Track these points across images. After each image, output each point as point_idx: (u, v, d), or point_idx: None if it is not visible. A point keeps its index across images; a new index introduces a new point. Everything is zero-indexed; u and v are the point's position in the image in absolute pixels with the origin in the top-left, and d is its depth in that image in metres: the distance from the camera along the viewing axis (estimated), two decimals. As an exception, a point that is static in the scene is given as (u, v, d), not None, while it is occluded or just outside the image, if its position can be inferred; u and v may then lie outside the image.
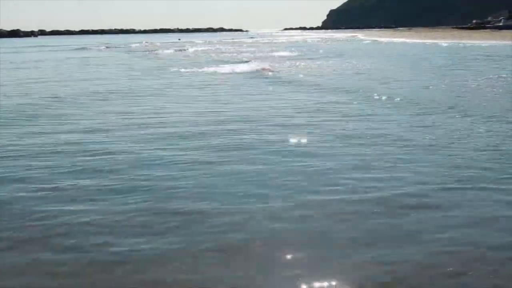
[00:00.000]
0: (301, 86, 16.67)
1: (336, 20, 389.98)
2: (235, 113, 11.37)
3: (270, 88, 16.23)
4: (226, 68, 24.75)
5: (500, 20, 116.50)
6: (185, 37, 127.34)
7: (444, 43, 51.17)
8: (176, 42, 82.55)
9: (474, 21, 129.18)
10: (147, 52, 45.96)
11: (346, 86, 15.75)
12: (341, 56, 34.24)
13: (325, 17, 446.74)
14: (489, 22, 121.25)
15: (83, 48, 57.56)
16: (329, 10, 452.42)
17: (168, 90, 16.43)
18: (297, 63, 27.74)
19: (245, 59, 32.09)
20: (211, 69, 24.68)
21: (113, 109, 12.42)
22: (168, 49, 51.54)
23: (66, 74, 23.41)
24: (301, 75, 20.40)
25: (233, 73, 22.19)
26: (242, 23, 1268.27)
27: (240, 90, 15.81)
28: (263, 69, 23.39)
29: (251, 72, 21.92)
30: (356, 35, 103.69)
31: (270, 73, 21.44)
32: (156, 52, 45.82)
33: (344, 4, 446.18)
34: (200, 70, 24.27)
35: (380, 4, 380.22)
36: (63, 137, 9.07)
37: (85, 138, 8.97)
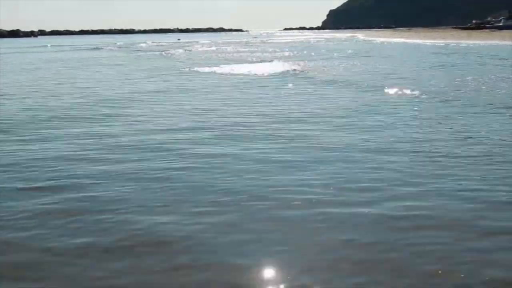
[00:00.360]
0: (347, 86, 16.92)
1: (336, 20, 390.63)
2: (302, 112, 11.66)
3: (328, 88, 16.46)
4: (254, 68, 24.61)
5: (500, 20, 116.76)
6: (184, 37, 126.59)
7: (443, 43, 51.52)
8: (180, 42, 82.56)
9: (474, 21, 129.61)
10: (162, 52, 46.03)
11: (385, 85, 16.08)
12: (357, 56, 34.34)
13: (325, 17, 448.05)
14: (489, 22, 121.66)
15: (96, 48, 57.75)
16: (329, 10, 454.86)
17: (217, 90, 16.52)
18: (321, 63, 27.75)
19: (265, 59, 32.33)
20: (239, 69, 24.60)
21: (179, 107, 12.87)
22: (177, 49, 51.72)
23: (113, 74, 23.87)
24: (334, 75, 20.61)
25: (268, 74, 21.65)
26: (242, 23, 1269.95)
27: (293, 91, 15.82)
28: (293, 69, 23.55)
29: (283, 72, 22.04)
30: (356, 35, 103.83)
31: (304, 73, 21.55)
32: (168, 52, 45.91)
33: (344, 4, 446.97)
34: (228, 70, 24.15)
35: (380, 4, 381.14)
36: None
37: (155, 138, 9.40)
